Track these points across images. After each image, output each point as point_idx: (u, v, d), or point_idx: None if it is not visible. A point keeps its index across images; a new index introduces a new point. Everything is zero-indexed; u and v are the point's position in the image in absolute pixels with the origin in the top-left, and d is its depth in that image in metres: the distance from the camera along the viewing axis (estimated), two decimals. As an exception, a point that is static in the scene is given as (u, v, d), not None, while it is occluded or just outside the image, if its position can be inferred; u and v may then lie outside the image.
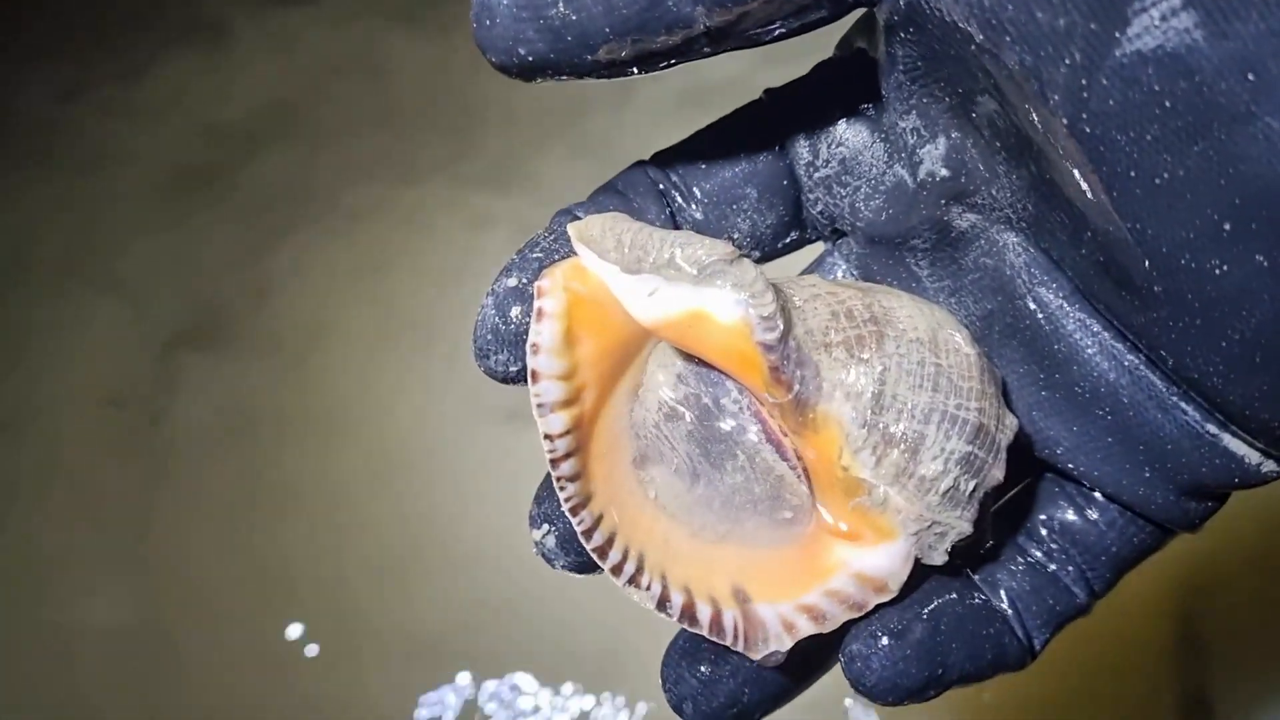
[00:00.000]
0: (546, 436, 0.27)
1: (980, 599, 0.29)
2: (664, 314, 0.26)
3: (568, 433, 0.27)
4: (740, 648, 0.27)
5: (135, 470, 0.91)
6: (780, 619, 0.26)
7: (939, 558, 0.27)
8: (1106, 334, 0.27)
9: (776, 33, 0.25)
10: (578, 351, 0.27)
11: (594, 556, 0.27)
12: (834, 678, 0.30)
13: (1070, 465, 0.29)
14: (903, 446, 0.26)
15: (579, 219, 0.29)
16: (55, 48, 1.15)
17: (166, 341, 0.97)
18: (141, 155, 1.08)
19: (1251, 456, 0.27)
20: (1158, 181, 0.22)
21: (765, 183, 0.30)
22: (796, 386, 0.26)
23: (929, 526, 0.26)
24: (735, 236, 0.30)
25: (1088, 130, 0.22)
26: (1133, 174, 0.22)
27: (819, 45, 0.31)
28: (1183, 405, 0.27)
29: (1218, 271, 0.22)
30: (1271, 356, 0.23)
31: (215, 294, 0.99)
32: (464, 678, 0.79)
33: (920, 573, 0.27)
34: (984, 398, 0.26)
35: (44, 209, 1.06)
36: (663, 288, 0.26)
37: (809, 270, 0.32)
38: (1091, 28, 0.21)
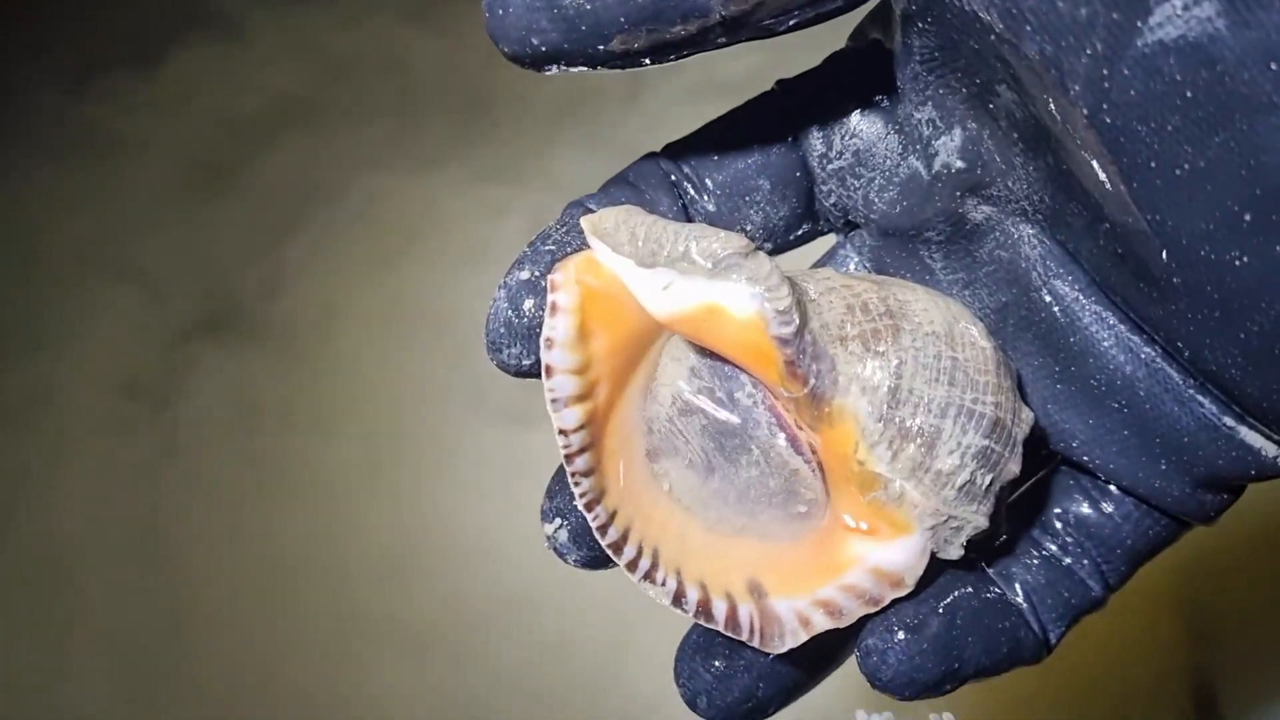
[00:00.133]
0: (561, 431, 0.27)
1: (995, 593, 0.29)
2: (678, 308, 0.26)
3: (582, 427, 0.27)
4: (756, 643, 0.26)
5: (144, 457, 0.91)
6: (796, 614, 0.26)
7: (955, 552, 0.27)
8: (1123, 326, 0.27)
9: (791, 23, 0.25)
10: (591, 346, 0.27)
11: (609, 552, 0.27)
12: (845, 685, 0.29)
13: (1086, 458, 0.29)
14: (919, 441, 0.25)
15: (591, 211, 0.28)
16: (61, 39, 1.15)
17: (179, 331, 0.97)
18: (154, 147, 1.08)
19: (1269, 449, 0.27)
20: (1178, 172, 0.21)
21: (778, 174, 0.30)
22: (812, 381, 0.25)
23: (945, 521, 0.26)
24: (748, 228, 0.30)
25: (1108, 121, 0.22)
26: (1153, 165, 0.22)
27: (836, 40, 0.31)
28: (1199, 398, 0.27)
29: (1238, 263, 0.22)
30: None
31: (228, 284, 0.99)
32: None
33: (935, 567, 0.27)
34: (1000, 391, 0.26)
35: (59, 199, 1.06)
36: (677, 281, 0.26)
37: (821, 263, 0.32)
38: (1113, 17, 0.21)
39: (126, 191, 1.05)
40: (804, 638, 0.26)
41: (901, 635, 0.27)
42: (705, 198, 0.30)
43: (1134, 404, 0.27)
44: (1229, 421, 0.27)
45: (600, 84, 1.02)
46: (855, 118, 0.30)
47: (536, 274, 0.28)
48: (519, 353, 0.27)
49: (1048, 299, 0.28)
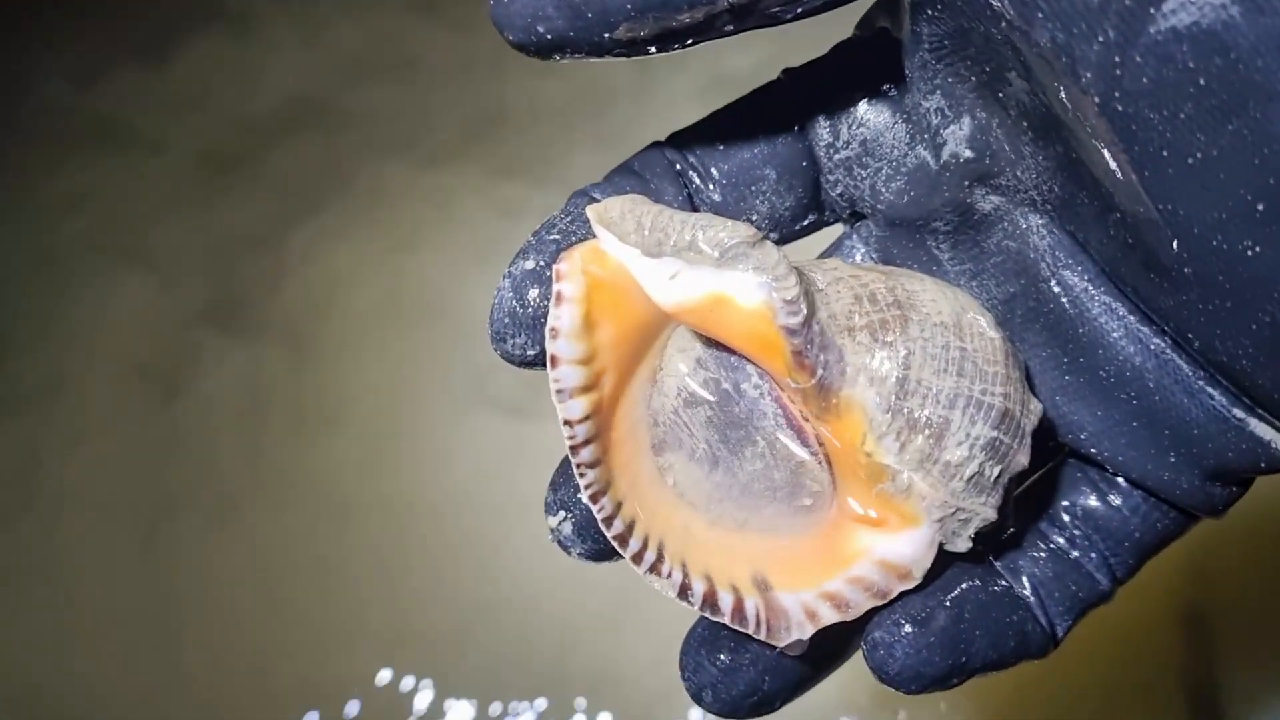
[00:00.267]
0: (566, 422, 0.26)
1: (1003, 586, 0.29)
2: (685, 298, 0.26)
3: (587, 418, 0.27)
4: (763, 636, 0.26)
5: (153, 444, 0.91)
6: (803, 607, 0.26)
7: (963, 544, 0.26)
8: (1132, 317, 0.27)
9: (799, 10, 0.25)
10: (597, 336, 0.26)
11: (614, 544, 0.27)
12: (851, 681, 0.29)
13: (1094, 450, 0.29)
14: (927, 432, 0.25)
15: (596, 200, 0.28)
16: (73, 34, 1.16)
17: (189, 320, 0.97)
18: (166, 141, 1.08)
19: (1278, 441, 0.27)
20: (1190, 161, 0.21)
21: (784, 164, 0.29)
22: (820, 371, 0.25)
23: (953, 513, 0.26)
24: (754, 218, 0.30)
25: (1119, 109, 0.21)
26: (1165, 153, 0.21)
27: (844, 31, 0.31)
28: (1209, 389, 0.27)
29: (1250, 253, 0.22)
30: None
31: (237, 275, 0.99)
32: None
33: (943, 559, 0.27)
34: (1009, 382, 0.26)
35: (72, 190, 1.06)
36: (684, 271, 0.26)
37: (828, 253, 0.32)
38: (1126, 4, 0.20)
39: (138, 184, 1.06)
40: (810, 631, 0.26)
41: (909, 628, 0.27)
42: (711, 187, 0.29)
43: (1143, 395, 0.27)
44: (1239, 413, 0.26)
45: (610, 78, 1.02)
46: (862, 107, 0.29)
47: (541, 263, 0.27)
48: (523, 343, 0.27)
49: (1056, 289, 0.28)
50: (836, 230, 0.32)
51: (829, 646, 0.29)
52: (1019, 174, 0.27)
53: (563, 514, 0.29)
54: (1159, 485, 0.28)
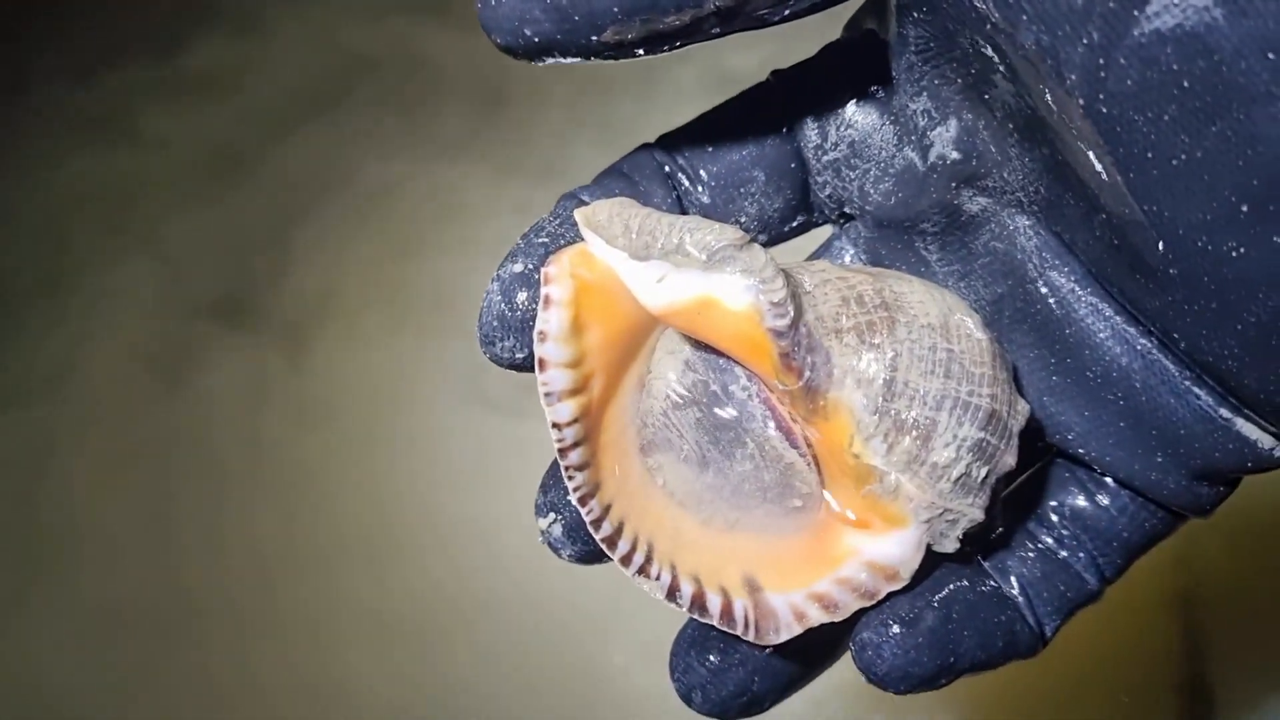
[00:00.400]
0: (554, 425, 0.26)
1: (991, 586, 0.29)
2: (673, 300, 0.26)
3: (575, 421, 0.27)
4: (751, 637, 0.26)
5: (156, 434, 0.92)
6: (791, 608, 0.26)
7: (951, 545, 0.26)
8: (1119, 318, 0.27)
9: (786, 12, 0.25)
10: (585, 339, 0.27)
11: (603, 547, 0.27)
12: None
13: (1081, 450, 0.29)
14: (915, 433, 0.25)
15: (584, 202, 0.28)
16: (80, 30, 1.16)
17: (194, 314, 0.98)
18: (174, 137, 1.09)
19: (1265, 440, 0.27)
20: (1175, 163, 0.21)
21: (773, 165, 0.30)
22: (807, 373, 0.25)
23: (941, 514, 0.26)
24: (742, 220, 0.30)
25: (1104, 110, 0.21)
26: (1149, 155, 0.21)
27: (839, 30, 0.31)
28: (1196, 390, 0.27)
29: (1235, 254, 0.22)
30: None
31: (243, 269, 1.00)
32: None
33: (931, 560, 0.27)
34: (996, 384, 0.26)
35: (83, 184, 1.07)
36: (671, 274, 0.26)
37: (816, 255, 0.32)
38: (1110, 6, 0.20)
39: (145, 179, 1.07)
40: (799, 631, 0.26)
41: (896, 629, 0.27)
42: (700, 189, 0.29)
43: (1130, 396, 0.27)
44: (1225, 413, 0.27)
45: (614, 76, 1.03)
46: (850, 109, 0.29)
47: (530, 266, 0.27)
48: (512, 346, 0.27)
49: (1044, 290, 0.28)
50: (825, 232, 0.32)
51: (818, 647, 0.29)
52: (1005, 175, 0.27)
53: (553, 516, 0.29)
54: (1146, 485, 0.29)
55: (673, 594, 0.27)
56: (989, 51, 0.24)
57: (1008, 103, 0.25)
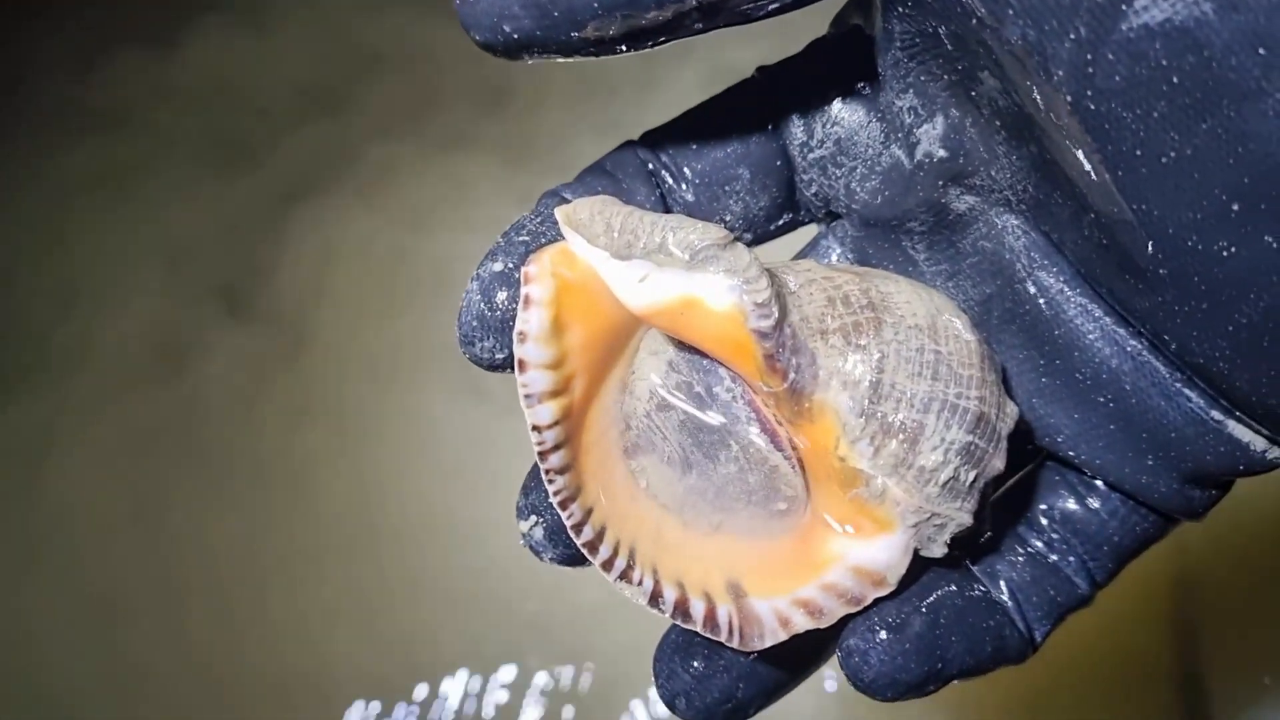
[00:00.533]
0: (534, 428, 0.26)
1: (980, 591, 0.29)
2: (655, 300, 0.25)
3: (556, 423, 0.26)
4: (735, 644, 0.26)
5: (152, 421, 0.93)
6: (776, 614, 0.26)
7: (938, 550, 0.26)
8: (1108, 319, 0.27)
9: (771, 8, 0.24)
10: (566, 339, 0.26)
11: (584, 552, 0.27)
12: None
13: (1071, 453, 0.29)
14: (901, 436, 0.25)
15: (566, 200, 0.28)
16: (76, 22, 1.17)
17: (196, 302, 0.99)
18: (175, 126, 1.10)
19: (1257, 443, 0.26)
20: (1164, 160, 0.21)
21: (758, 163, 0.29)
22: (792, 375, 0.25)
23: (928, 518, 0.25)
24: (727, 218, 0.29)
25: (1092, 107, 0.21)
26: (1138, 153, 0.21)
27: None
28: (1186, 392, 0.26)
29: (1225, 253, 0.21)
30: None
31: (245, 259, 1.01)
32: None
33: (918, 564, 0.27)
34: (984, 386, 0.26)
35: (85, 173, 1.08)
36: (654, 274, 0.25)
37: (803, 253, 0.31)
38: (1097, 0, 0.20)
39: (150, 168, 1.07)
40: (784, 638, 0.26)
41: (884, 635, 0.27)
42: (684, 186, 0.29)
43: (1120, 398, 0.27)
44: (1217, 415, 0.26)
45: (616, 67, 1.03)
46: (836, 105, 0.29)
47: (510, 265, 0.27)
48: (492, 346, 0.27)
49: (1032, 290, 0.28)
50: (812, 230, 0.32)
51: (804, 652, 0.28)
52: (993, 174, 0.27)
53: (534, 519, 0.29)
54: (1137, 488, 0.28)
55: (655, 600, 0.26)
56: (975, 47, 0.24)
57: (995, 100, 0.25)
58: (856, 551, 0.26)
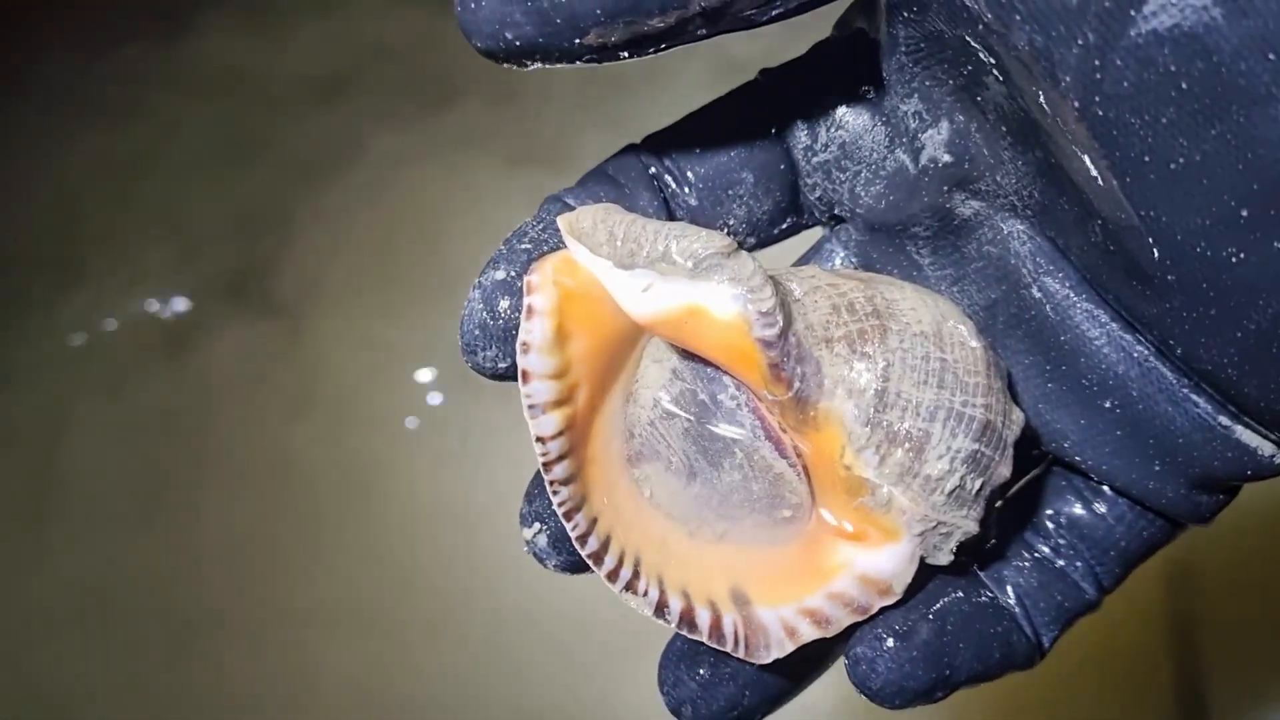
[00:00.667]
0: (538, 439, 0.26)
1: (987, 597, 0.29)
2: (659, 310, 0.25)
3: (560, 434, 0.26)
4: (741, 654, 0.26)
5: (155, 411, 0.94)
6: (782, 623, 0.26)
7: (944, 558, 0.26)
8: (1115, 324, 0.27)
9: (774, 13, 0.24)
10: (569, 349, 0.26)
11: (589, 562, 0.26)
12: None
13: (1078, 458, 0.28)
14: (907, 445, 0.25)
15: (569, 206, 0.27)
16: (82, 8, 1.17)
17: (203, 290, 1.00)
18: (184, 115, 1.10)
19: (1265, 448, 0.26)
20: (1172, 166, 0.21)
21: (762, 167, 0.29)
22: (797, 384, 0.25)
23: (934, 527, 0.25)
24: (731, 222, 0.29)
25: (1100, 113, 0.21)
26: (1146, 159, 0.21)
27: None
28: (1193, 397, 0.26)
29: (1234, 259, 0.21)
30: None
31: (251, 251, 1.02)
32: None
33: (925, 571, 0.27)
34: (990, 393, 0.25)
35: (92, 162, 1.08)
36: (657, 283, 0.25)
37: (806, 258, 0.31)
38: (1105, 5, 0.20)
39: (158, 157, 1.08)
40: (790, 648, 0.26)
41: (891, 643, 0.27)
42: (687, 191, 0.29)
43: (1127, 404, 0.27)
44: (1224, 421, 0.26)
45: (622, 67, 1.03)
46: (841, 109, 0.29)
47: (512, 274, 0.27)
48: (495, 355, 0.27)
49: (1038, 296, 0.27)
50: (816, 234, 0.32)
51: (810, 659, 0.28)
52: (998, 179, 0.27)
53: (538, 526, 0.28)
54: (1144, 494, 0.28)
55: (660, 610, 0.26)
56: (980, 53, 0.23)
57: (1000, 105, 0.25)
58: (863, 560, 0.26)
